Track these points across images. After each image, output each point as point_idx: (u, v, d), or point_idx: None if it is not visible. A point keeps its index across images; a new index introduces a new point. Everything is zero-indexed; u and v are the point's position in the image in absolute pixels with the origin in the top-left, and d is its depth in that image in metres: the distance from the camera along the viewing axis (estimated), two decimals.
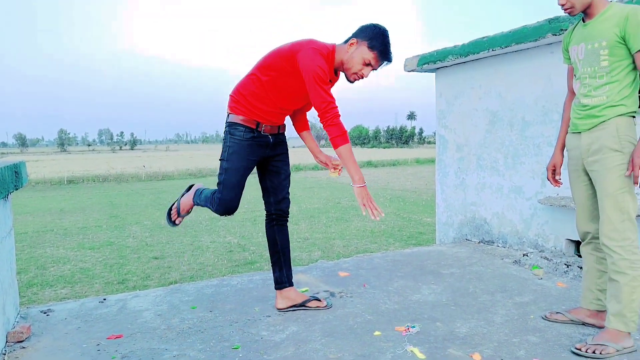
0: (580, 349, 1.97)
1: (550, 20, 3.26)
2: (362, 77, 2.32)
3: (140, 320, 2.46)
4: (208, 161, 36.81)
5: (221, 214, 2.39)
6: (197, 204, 2.54)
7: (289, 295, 2.55)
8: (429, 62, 4.37)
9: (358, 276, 3.18)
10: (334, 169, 2.59)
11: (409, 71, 4.66)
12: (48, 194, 18.90)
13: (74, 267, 7.02)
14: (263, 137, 2.40)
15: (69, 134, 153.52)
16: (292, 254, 2.64)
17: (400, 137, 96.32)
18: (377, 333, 2.23)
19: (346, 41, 2.30)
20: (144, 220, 11.54)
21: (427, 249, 4.03)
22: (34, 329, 2.34)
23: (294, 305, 2.54)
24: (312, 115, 2.72)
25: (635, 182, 1.94)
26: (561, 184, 2.33)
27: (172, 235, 9.36)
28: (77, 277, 6.50)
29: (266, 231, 2.58)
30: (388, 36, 2.28)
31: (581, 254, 2.29)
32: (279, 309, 2.54)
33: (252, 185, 2.41)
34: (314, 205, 13.47)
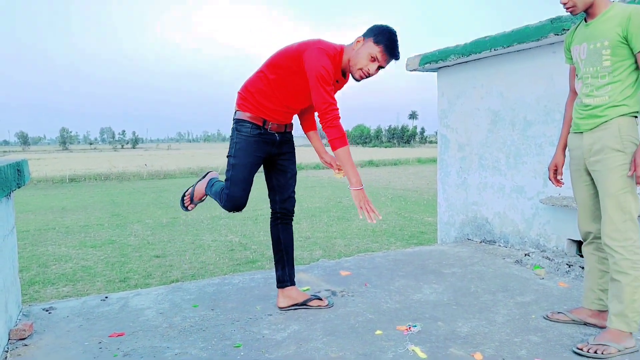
0: (581, 349, 1.97)
1: (552, 20, 3.26)
2: (369, 74, 2.31)
3: (142, 318, 2.46)
4: (210, 160, 36.86)
5: (229, 210, 2.39)
6: (208, 195, 2.56)
7: (291, 294, 2.55)
8: (431, 61, 4.37)
9: (359, 275, 3.18)
10: (338, 170, 2.59)
11: (410, 70, 4.65)
12: (50, 192, 18.95)
13: (75, 265, 7.03)
14: (270, 135, 2.41)
15: (70, 132, 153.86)
16: (294, 253, 2.64)
17: (402, 137, 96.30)
18: (378, 332, 2.23)
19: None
20: (145, 218, 11.56)
21: (429, 248, 4.03)
22: (36, 326, 2.35)
23: (296, 304, 2.54)
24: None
25: (638, 183, 1.94)
26: (563, 183, 2.33)
27: (173, 234, 9.38)
28: (78, 275, 6.52)
29: (270, 229, 2.59)
30: (395, 33, 2.28)
31: (583, 254, 2.28)
32: (281, 308, 2.54)
33: (254, 184, 2.42)
34: (316, 204, 13.48)
